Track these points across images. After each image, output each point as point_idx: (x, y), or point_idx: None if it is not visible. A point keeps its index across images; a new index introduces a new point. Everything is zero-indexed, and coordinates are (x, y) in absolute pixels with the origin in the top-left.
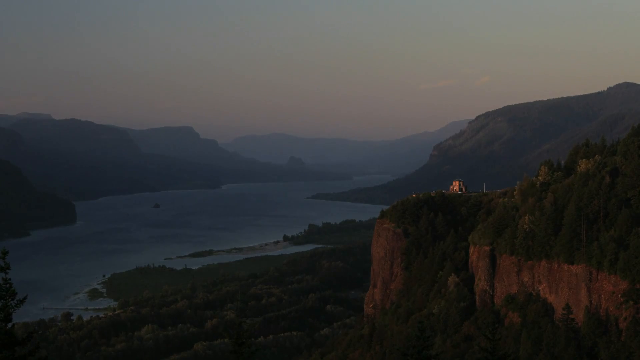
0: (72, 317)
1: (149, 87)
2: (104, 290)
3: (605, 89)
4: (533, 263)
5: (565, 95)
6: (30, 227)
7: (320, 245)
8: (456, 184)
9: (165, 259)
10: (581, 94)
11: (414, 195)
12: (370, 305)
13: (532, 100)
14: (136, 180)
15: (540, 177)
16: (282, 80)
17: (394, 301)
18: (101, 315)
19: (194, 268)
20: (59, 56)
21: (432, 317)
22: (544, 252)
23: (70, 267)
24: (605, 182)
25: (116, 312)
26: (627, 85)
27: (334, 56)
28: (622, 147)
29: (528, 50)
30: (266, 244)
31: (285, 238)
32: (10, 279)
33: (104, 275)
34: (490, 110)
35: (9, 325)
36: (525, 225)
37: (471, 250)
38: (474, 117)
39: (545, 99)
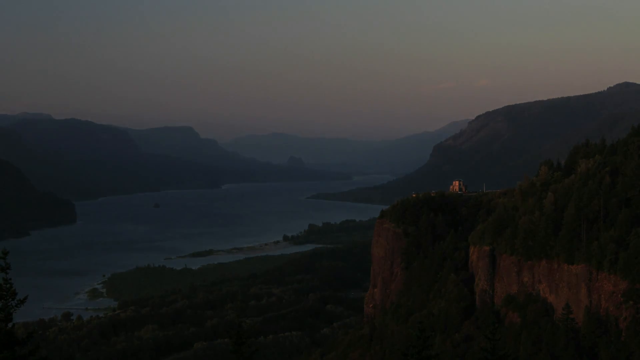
0: (72, 317)
1: (148, 87)
2: (104, 290)
3: (605, 89)
4: (533, 263)
5: (565, 95)
6: (30, 227)
7: (320, 245)
8: (456, 184)
9: (165, 259)
10: (581, 94)
11: (414, 195)
12: (370, 305)
13: (532, 100)
14: (136, 180)
15: (540, 177)
16: (282, 81)
17: (394, 301)
18: (101, 315)
19: (194, 268)
20: (59, 56)
21: (432, 317)
22: (544, 252)
23: (70, 267)
24: (605, 182)
25: (116, 312)
26: (627, 85)
27: (335, 57)
28: (622, 147)
29: (528, 50)
30: (266, 244)
31: (285, 238)
32: (10, 279)
33: (104, 275)
34: (490, 110)
35: (10, 325)
36: (525, 225)
37: (471, 250)
38: (474, 117)
39: (545, 99)
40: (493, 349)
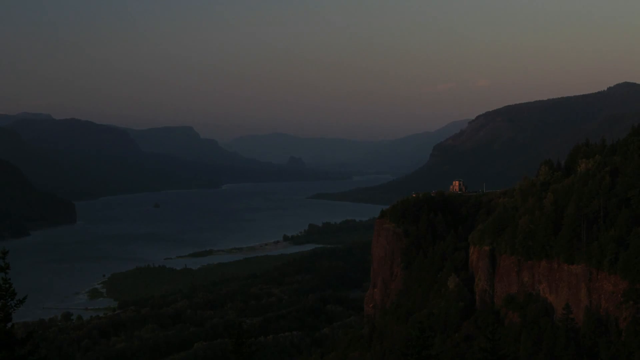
0: (72, 317)
1: (149, 87)
2: (104, 290)
3: (605, 89)
4: (533, 263)
5: (565, 95)
6: (30, 227)
7: (320, 245)
8: (456, 184)
9: (165, 259)
10: (581, 94)
11: (414, 195)
12: (370, 305)
13: (532, 100)
14: (136, 180)
15: (540, 177)
16: (282, 81)
17: (394, 301)
18: (101, 315)
19: (194, 268)
20: (59, 56)
21: (432, 317)
22: (544, 252)
23: (71, 267)
24: (605, 182)
25: (116, 312)
26: (627, 85)
27: (335, 57)
28: (622, 147)
29: (528, 50)
30: (266, 244)
31: (285, 238)
32: (10, 279)
33: (104, 275)
34: (490, 110)
35: (9, 325)
36: (525, 225)
37: (471, 250)
38: (474, 117)
39: (545, 99)
40: (493, 349)
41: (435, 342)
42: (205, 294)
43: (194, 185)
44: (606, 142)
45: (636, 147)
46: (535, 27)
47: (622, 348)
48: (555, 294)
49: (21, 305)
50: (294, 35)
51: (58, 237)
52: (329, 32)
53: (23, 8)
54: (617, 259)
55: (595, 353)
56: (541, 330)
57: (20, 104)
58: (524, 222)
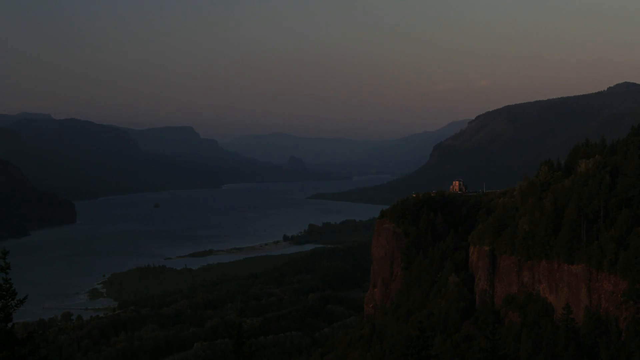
0: (72, 317)
1: (149, 87)
2: (104, 290)
3: (605, 89)
4: (533, 263)
5: (565, 95)
6: (30, 227)
7: (320, 245)
8: (456, 184)
9: (165, 259)
10: (581, 94)
11: (414, 195)
12: (370, 305)
13: (532, 100)
14: (136, 180)
15: (540, 177)
16: (282, 80)
17: (394, 301)
18: (101, 315)
19: (194, 268)
20: (59, 56)
21: (432, 317)
22: (544, 252)
23: (71, 267)
24: (605, 182)
25: (116, 312)
26: (627, 85)
27: (335, 58)
28: (622, 147)
29: (528, 50)
30: (266, 244)
31: (285, 238)
32: (10, 279)
33: (104, 275)
34: (490, 110)
35: (9, 325)
36: (525, 225)
37: (471, 250)
38: (474, 117)
39: (545, 99)
40: (493, 349)
41: (435, 342)
42: (205, 294)
43: (194, 185)
44: (606, 142)
45: (636, 147)
46: (535, 27)
47: (622, 348)
48: (555, 294)
49: (22, 305)
50: (294, 36)
51: (58, 237)
52: (329, 32)
53: (23, 9)
54: (617, 259)
55: (595, 353)
56: (541, 330)
57: (20, 104)
58: (524, 222)
